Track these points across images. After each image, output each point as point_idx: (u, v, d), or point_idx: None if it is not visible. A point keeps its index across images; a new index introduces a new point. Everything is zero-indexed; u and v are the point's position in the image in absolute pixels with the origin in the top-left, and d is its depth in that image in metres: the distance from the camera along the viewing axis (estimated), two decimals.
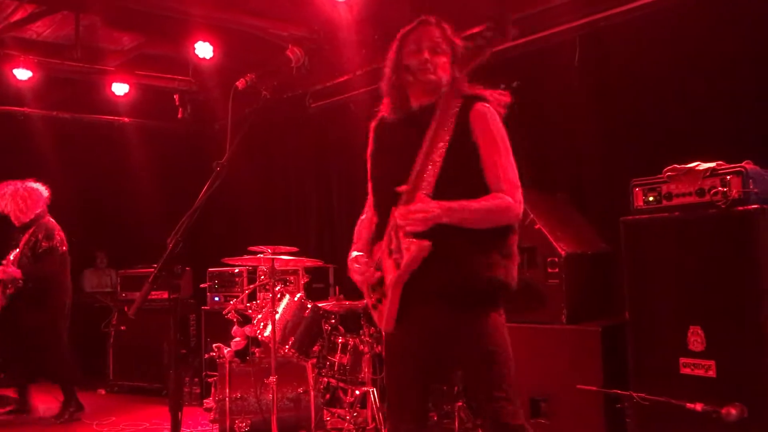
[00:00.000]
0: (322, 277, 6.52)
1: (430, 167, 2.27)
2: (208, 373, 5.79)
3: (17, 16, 5.94)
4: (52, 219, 5.84)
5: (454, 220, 2.25)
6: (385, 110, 2.60)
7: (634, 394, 3.36)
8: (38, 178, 7.77)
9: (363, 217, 2.76)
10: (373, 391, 4.59)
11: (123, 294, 7.30)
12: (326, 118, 7.02)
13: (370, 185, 2.68)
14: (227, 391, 4.63)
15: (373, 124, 2.67)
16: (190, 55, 6.46)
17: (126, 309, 7.15)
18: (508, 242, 2.40)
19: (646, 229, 3.44)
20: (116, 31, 6.63)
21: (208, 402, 4.94)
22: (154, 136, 8.18)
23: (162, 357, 6.74)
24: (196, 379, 6.38)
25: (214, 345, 5.15)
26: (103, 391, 7.12)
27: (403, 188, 2.31)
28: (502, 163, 2.36)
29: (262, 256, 4.49)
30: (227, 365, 4.75)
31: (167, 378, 6.81)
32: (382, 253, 2.45)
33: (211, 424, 4.85)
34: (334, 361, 4.65)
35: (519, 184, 2.39)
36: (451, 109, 2.34)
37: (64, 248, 5.76)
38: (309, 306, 4.74)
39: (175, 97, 7.40)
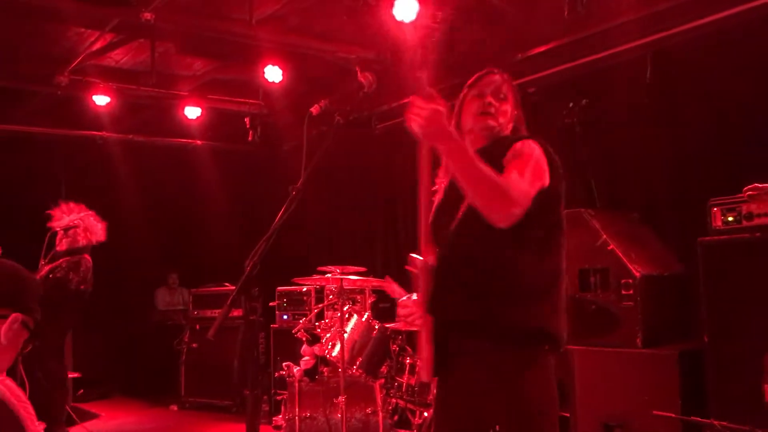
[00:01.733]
0: (388, 296, 6.53)
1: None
2: (277, 390, 5.87)
3: (97, 45, 6.21)
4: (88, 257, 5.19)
5: (452, 144, 2.03)
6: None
7: (716, 422, 3.24)
8: (114, 200, 8.05)
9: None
10: None
11: (195, 312, 7.48)
12: (392, 139, 7.07)
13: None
14: (297, 410, 4.68)
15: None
16: (260, 78, 6.62)
17: (198, 327, 7.32)
18: (556, 291, 2.21)
19: (726, 250, 3.33)
20: (189, 57, 6.86)
21: (277, 419, 5.00)
22: (224, 158, 8.40)
23: (232, 374, 6.86)
24: (265, 397, 6.47)
25: (283, 363, 5.21)
26: (175, 407, 7.29)
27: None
28: (520, 168, 2.15)
29: (330, 276, 4.53)
30: (296, 384, 4.80)
31: (239, 396, 6.94)
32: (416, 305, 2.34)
33: None
34: (402, 382, 4.64)
35: (530, 194, 2.11)
36: (496, 151, 2.23)
37: (82, 287, 5.00)
38: (376, 326, 4.76)
39: (246, 120, 7.58)
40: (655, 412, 3.57)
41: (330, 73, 6.33)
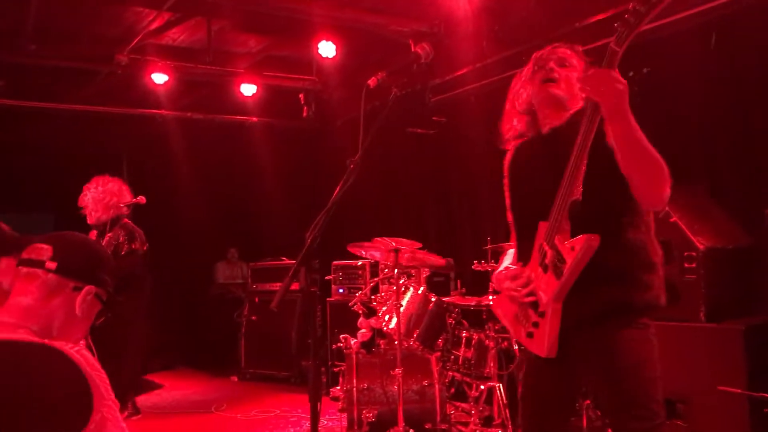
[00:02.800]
0: (442, 270, 6.54)
1: (576, 182, 2.19)
2: (335, 362, 5.96)
3: (155, 25, 6.32)
4: (129, 221, 5.49)
5: (631, 121, 2.05)
6: (512, 141, 2.59)
7: None
8: (174, 177, 8.23)
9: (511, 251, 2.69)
10: (499, 387, 4.56)
11: (254, 285, 7.63)
12: (445, 111, 7.02)
13: (510, 218, 2.62)
14: (354, 381, 4.74)
15: (506, 159, 2.63)
16: (314, 54, 6.64)
17: (256, 300, 7.46)
18: (661, 259, 2.31)
19: None
20: (244, 34, 6.92)
21: (335, 391, 5.08)
22: (280, 135, 8.48)
23: (290, 346, 6.99)
24: (323, 369, 6.58)
25: (341, 336, 5.28)
26: (235, 378, 7.49)
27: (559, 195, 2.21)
28: None
29: (397, 248, 4.54)
30: (354, 356, 4.86)
31: (298, 367, 7.07)
32: (533, 274, 2.37)
33: (339, 413, 4.98)
34: (459, 355, 4.66)
35: None
36: (588, 126, 2.20)
37: (145, 248, 5.39)
38: (433, 299, 4.77)
39: (300, 96, 7.63)
40: (720, 387, 3.50)
41: (383, 47, 6.30)
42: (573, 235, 2.20)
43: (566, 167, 2.20)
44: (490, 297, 4.72)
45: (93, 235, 5.33)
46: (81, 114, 7.39)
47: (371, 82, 2.43)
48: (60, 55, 6.44)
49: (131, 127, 8.03)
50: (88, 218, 5.30)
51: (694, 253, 3.70)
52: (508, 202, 2.63)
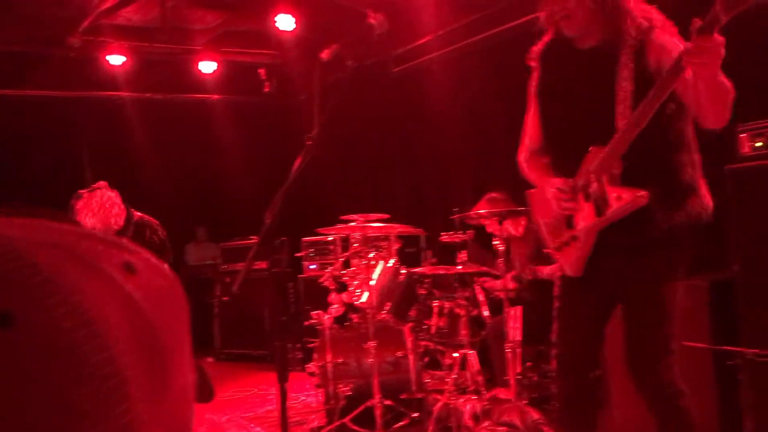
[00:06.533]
0: (413, 242, 6.55)
1: (620, 106, 2.22)
2: (309, 339, 5.96)
3: (108, 4, 6.15)
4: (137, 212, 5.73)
5: (719, 73, 2.09)
6: (546, 40, 2.52)
7: (746, 350, 3.22)
8: (136, 159, 8.07)
9: (523, 157, 2.65)
10: (472, 354, 4.59)
11: (225, 266, 7.57)
12: (409, 81, 6.97)
13: (535, 121, 2.57)
14: (328, 356, 4.74)
15: (537, 54, 2.55)
16: (272, 28, 6.53)
17: (228, 280, 7.41)
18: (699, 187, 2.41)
19: (755, 177, 3.25)
20: (200, 9, 6.77)
21: (310, 367, 5.08)
22: (242, 112, 8.38)
23: (264, 325, 6.98)
24: (298, 345, 6.58)
25: (313, 312, 5.27)
26: (211, 360, 7.46)
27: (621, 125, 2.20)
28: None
29: (353, 224, 4.53)
30: (327, 332, 4.85)
31: (271, 346, 7.06)
32: (578, 192, 2.38)
33: (315, 389, 5.00)
34: (431, 325, 4.68)
35: None
36: (625, 48, 2.26)
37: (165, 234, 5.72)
38: (403, 271, 4.77)
39: (261, 71, 7.52)
40: (685, 342, 3.55)
41: (343, 18, 6.21)
42: (624, 180, 2.23)
43: (620, 98, 2.21)
44: (459, 266, 4.73)
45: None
46: (36, 99, 7.21)
47: (324, 54, 2.39)
48: (9, 39, 6.25)
49: (90, 110, 7.85)
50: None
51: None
52: (536, 107, 2.57)
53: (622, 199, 2.19)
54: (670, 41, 2.28)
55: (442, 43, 6.26)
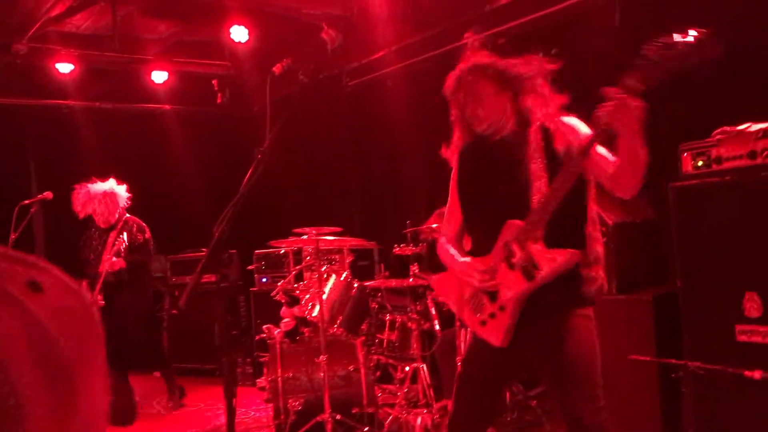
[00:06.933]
0: (367, 255, 6.55)
1: (536, 183, 2.35)
2: (260, 353, 5.89)
3: (56, 11, 6.02)
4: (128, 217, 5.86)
5: (641, 136, 2.16)
6: (459, 137, 2.70)
7: (690, 363, 3.31)
8: (84, 169, 7.90)
9: (442, 240, 2.79)
10: (423, 367, 4.61)
11: (173, 278, 7.45)
12: (364, 95, 7.00)
13: (455, 208, 2.72)
14: (279, 371, 4.70)
15: (453, 153, 2.74)
16: (226, 39, 6.48)
17: (177, 293, 7.29)
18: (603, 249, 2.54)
19: (696, 195, 3.35)
20: (153, 19, 6.69)
21: (261, 381, 5.03)
22: (194, 122, 8.26)
23: (214, 339, 6.87)
24: (249, 360, 6.50)
25: (264, 326, 5.22)
26: (158, 374, 7.30)
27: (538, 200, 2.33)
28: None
29: (306, 237, 4.52)
30: (278, 346, 4.81)
31: (220, 361, 6.96)
32: (496, 267, 2.45)
33: (265, 404, 4.94)
34: (383, 339, 4.68)
35: None
36: (534, 134, 2.43)
37: (149, 236, 5.90)
38: (355, 285, 4.77)
39: (214, 82, 7.45)
40: (631, 356, 3.63)
41: (297, 31, 6.21)
42: (547, 243, 2.31)
43: (536, 176, 2.36)
44: (411, 279, 4.75)
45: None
46: None
47: (276, 69, 2.39)
48: None
49: (37, 118, 7.64)
50: (98, 222, 5.66)
51: (603, 228, 3.81)
52: (455, 196, 2.73)
53: (556, 260, 2.28)
54: (576, 123, 2.45)
55: (397, 58, 6.30)
